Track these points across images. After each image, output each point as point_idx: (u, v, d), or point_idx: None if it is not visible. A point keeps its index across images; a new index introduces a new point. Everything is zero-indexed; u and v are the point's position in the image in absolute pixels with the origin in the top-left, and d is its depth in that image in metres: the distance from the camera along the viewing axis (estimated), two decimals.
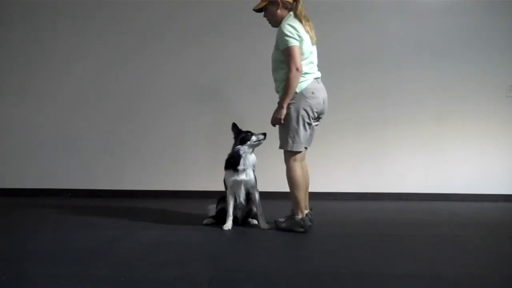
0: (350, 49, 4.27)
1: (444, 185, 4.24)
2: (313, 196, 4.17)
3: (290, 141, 2.70)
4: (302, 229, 2.71)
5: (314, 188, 4.20)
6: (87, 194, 4.21)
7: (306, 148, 2.87)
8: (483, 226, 3.02)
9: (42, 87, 4.34)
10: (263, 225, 2.82)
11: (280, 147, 2.77)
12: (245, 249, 2.38)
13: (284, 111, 2.66)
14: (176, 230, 2.75)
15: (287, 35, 2.61)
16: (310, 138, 2.85)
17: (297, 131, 2.68)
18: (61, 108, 4.33)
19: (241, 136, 2.84)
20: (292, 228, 2.73)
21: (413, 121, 4.26)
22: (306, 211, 2.81)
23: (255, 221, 2.92)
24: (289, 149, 2.71)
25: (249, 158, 2.83)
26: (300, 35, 2.63)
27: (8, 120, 4.35)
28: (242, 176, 2.79)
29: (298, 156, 2.75)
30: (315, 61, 2.83)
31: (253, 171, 2.87)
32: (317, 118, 2.83)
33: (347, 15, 4.29)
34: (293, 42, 2.60)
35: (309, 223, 2.77)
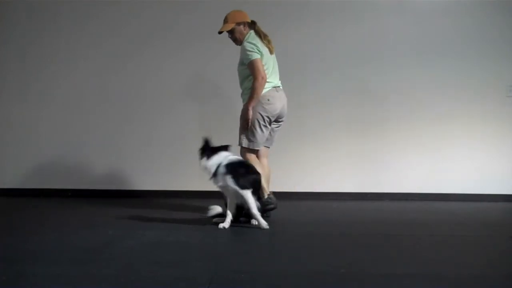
0: (350, 49, 4.27)
1: (444, 185, 4.24)
2: (313, 196, 4.21)
3: (247, 140, 3.09)
4: (272, 205, 3.07)
5: (314, 188, 4.24)
6: (87, 194, 4.21)
7: (268, 147, 3.28)
8: (483, 226, 3.02)
9: (42, 87, 4.34)
10: (262, 225, 2.81)
11: (238, 144, 3.13)
12: (245, 249, 2.38)
13: (250, 113, 3.02)
14: (176, 230, 2.75)
15: (249, 51, 2.99)
16: (270, 139, 3.25)
17: (253, 132, 3.07)
18: (61, 108, 4.33)
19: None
20: (264, 208, 2.97)
21: (413, 121, 4.27)
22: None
23: (255, 222, 2.92)
24: (245, 146, 3.10)
25: (212, 161, 2.80)
26: (259, 49, 3.00)
27: (8, 120, 4.35)
28: (219, 183, 2.80)
29: (259, 153, 3.17)
30: (275, 70, 3.16)
31: (229, 175, 2.74)
32: (276, 121, 3.19)
33: (347, 15, 4.29)
34: (255, 56, 2.98)
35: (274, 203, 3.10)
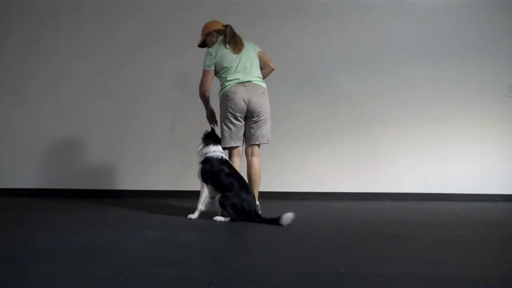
0: (350, 49, 4.28)
1: (444, 185, 4.25)
2: (314, 196, 4.21)
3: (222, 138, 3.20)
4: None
5: (314, 188, 4.24)
6: (87, 194, 4.21)
7: (257, 145, 3.20)
8: (483, 226, 3.02)
9: (42, 87, 4.34)
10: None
11: None
12: (245, 249, 2.38)
13: (208, 112, 3.36)
14: (176, 230, 2.74)
15: (205, 60, 3.20)
16: (252, 136, 3.17)
17: (222, 130, 3.19)
18: (61, 108, 4.33)
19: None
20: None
21: (413, 121, 4.27)
22: None
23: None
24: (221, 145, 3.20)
25: (205, 149, 3.20)
26: (215, 60, 3.16)
27: (8, 120, 4.36)
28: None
29: (234, 151, 3.20)
30: (244, 66, 3.17)
31: (200, 165, 3.19)
32: (251, 117, 3.14)
33: (347, 15, 4.30)
34: (206, 67, 3.19)
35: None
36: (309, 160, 4.27)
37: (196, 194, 4.17)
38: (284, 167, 4.18)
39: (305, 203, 3.99)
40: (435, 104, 4.27)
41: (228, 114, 3.12)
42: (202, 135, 3.23)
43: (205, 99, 3.28)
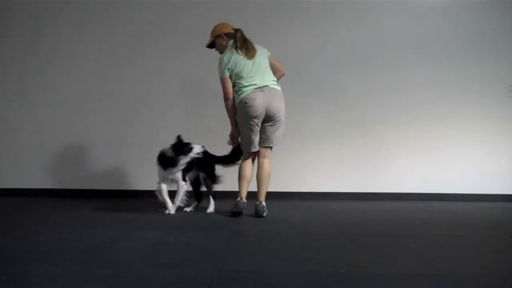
0: (350, 49, 4.27)
1: (444, 185, 4.25)
2: (313, 196, 4.21)
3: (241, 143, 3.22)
4: (234, 210, 3.13)
5: (314, 188, 4.25)
6: (87, 194, 4.21)
7: (269, 147, 3.21)
8: (483, 226, 3.02)
9: (42, 87, 4.34)
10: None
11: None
12: (245, 249, 2.38)
13: (233, 132, 3.26)
14: (176, 230, 2.75)
15: (220, 67, 3.17)
16: (266, 139, 3.17)
17: (244, 137, 3.19)
18: (62, 108, 4.33)
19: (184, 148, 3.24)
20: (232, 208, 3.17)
21: (413, 121, 4.27)
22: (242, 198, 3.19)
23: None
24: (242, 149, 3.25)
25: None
26: (229, 66, 3.13)
27: (8, 120, 4.36)
28: (170, 176, 3.27)
29: (249, 155, 3.22)
30: (259, 70, 3.15)
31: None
32: (269, 121, 3.14)
33: (347, 15, 4.30)
34: (223, 74, 3.15)
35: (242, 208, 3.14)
36: (309, 160, 4.27)
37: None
38: (284, 167, 4.17)
39: (305, 203, 3.99)
40: (435, 104, 4.27)
41: (249, 120, 3.10)
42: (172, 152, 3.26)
43: (232, 112, 3.20)
